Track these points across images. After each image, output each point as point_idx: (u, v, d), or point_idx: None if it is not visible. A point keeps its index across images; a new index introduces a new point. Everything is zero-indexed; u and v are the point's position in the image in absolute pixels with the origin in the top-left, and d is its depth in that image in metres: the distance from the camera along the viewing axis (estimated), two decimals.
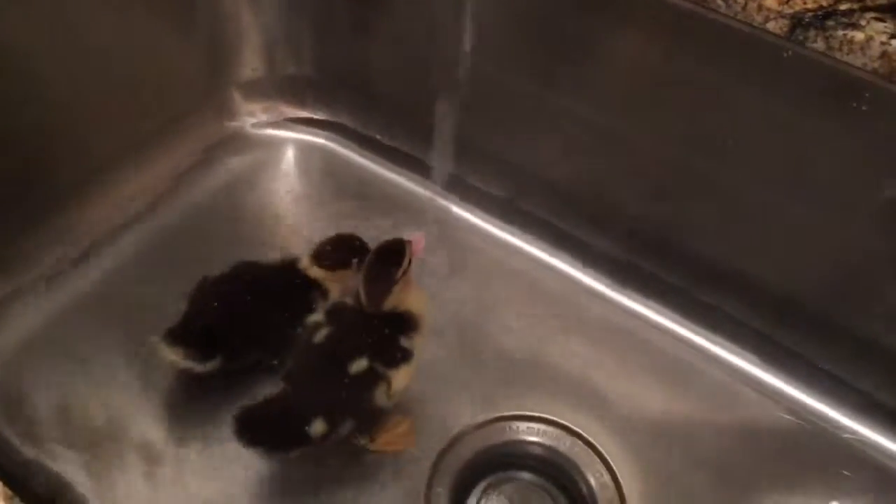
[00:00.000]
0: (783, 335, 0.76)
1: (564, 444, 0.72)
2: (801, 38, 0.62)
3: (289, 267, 0.75)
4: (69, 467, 0.67)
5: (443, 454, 0.71)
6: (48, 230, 0.78)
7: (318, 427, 0.64)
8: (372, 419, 0.68)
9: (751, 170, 0.71)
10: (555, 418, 0.73)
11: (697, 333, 0.79)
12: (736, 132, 0.70)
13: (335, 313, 0.69)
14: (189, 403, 0.72)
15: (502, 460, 0.72)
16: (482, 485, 0.71)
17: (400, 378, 0.67)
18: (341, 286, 0.75)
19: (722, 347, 0.78)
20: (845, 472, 0.72)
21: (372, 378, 0.66)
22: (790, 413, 0.75)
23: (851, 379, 0.75)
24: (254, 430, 0.63)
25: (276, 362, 0.72)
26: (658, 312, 0.81)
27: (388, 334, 0.67)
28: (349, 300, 0.69)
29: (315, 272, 0.74)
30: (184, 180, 0.86)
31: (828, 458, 0.72)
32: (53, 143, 0.76)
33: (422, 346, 0.68)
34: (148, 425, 0.70)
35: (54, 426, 0.69)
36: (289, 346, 0.70)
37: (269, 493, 0.68)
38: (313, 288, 0.74)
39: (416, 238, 0.68)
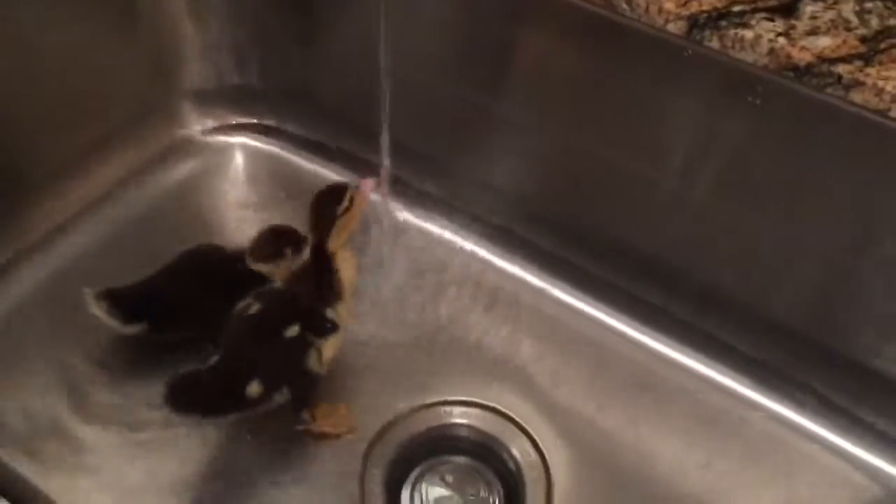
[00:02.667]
0: (703, 321, 0.81)
1: (496, 427, 0.76)
2: (698, 37, 0.67)
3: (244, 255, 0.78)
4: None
5: (378, 437, 0.74)
6: None
7: (253, 389, 0.67)
8: (306, 387, 0.71)
9: (666, 163, 0.75)
10: (489, 403, 0.77)
11: (624, 322, 0.83)
12: (650, 127, 0.74)
13: (263, 294, 0.72)
14: (121, 386, 0.75)
15: (436, 444, 0.76)
16: (418, 469, 0.74)
17: (329, 347, 0.71)
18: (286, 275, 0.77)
19: (646, 335, 0.82)
20: (759, 445, 0.76)
21: (304, 344, 0.70)
22: (710, 393, 0.79)
23: (770, 362, 0.79)
24: (187, 395, 0.65)
25: (210, 346, 0.74)
26: (588, 304, 0.84)
27: (315, 308, 0.71)
28: (278, 285, 0.73)
29: (255, 266, 0.77)
30: (133, 184, 0.90)
31: (742, 431, 0.77)
32: (3, 146, 0.79)
33: (346, 313, 0.72)
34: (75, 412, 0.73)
35: None
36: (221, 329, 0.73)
37: (202, 477, 0.71)
38: (259, 279, 0.76)
39: (365, 181, 0.73)
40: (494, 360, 0.80)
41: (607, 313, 0.84)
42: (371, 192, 0.74)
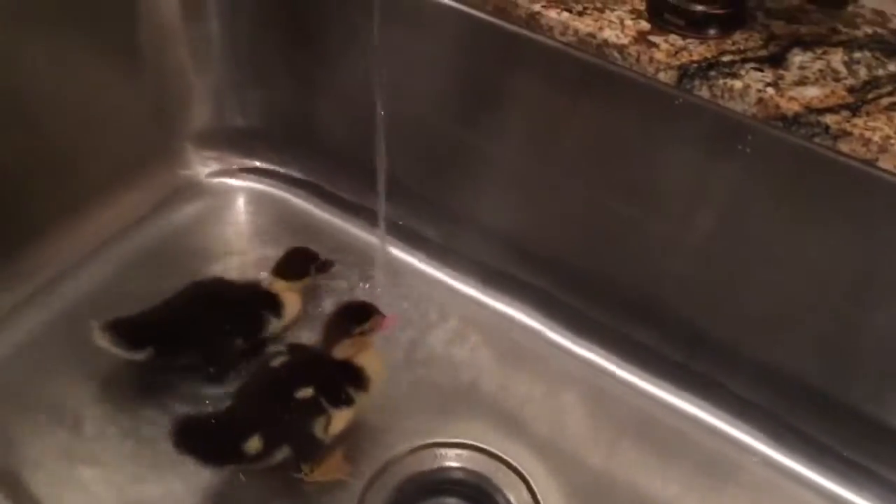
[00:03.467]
0: (700, 365, 0.81)
1: (490, 470, 0.76)
2: (688, 87, 0.68)
3: (250, 286, 0.82)
4: None
5: (374, 479, 0.74)
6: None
7: (253, 444, 0.68)
8: (308, 450, 0.72)
9: (660, 209, 0.76)
10: (483, 445, 0.77)
11: (618, 365, 0.83)
12: (645, 172, 0.75)
13: (296, 349, 0.75)
14: (119, 423, 0.76)
15: (431, 487, 0.76)
16: None
17: (339, 420, 0.72)
18: (299, 302, 0.82)
19: (640, 377, 0.82)
20: (754, 489, 0.76)
21: (314, 409, 0.70)
22: (706, 437, 0.79)
23: (766, 406, 0.79)
24: (191, 438, 0.66)
25: (212, 370, 0.77)
26: (583, 346, 0.85)
27: (338, 379, 0.72)
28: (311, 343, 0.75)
29: (279, 286, 0.81)
30: (137, 225, 0.91)
31: (737, 475, 0.77)
32: (11, 189, 0.81)
33: (364, 403, 0.73)
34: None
35: None
36: (229, 356, 0.77)
37: None
38: (267, 307, 0.80)
39: (391, 316, 0.75)
40: (490, 403, 0.80)
41: (605, 356, 0.84)
42: (390, 329, 0.76)
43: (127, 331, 0.74)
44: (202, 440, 0.67)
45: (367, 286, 0.87)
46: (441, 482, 0.76)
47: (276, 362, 0.72)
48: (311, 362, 0.73)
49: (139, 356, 0.75)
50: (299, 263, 0.83)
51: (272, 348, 0.76)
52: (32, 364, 0.80)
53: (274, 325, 0.80)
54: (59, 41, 0.81)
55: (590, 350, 0.84)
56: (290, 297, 0.82)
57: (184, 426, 0.67)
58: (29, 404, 0.77)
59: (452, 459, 0.76)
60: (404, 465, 0.76)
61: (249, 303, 0.80)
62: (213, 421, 0.69)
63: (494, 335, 0.86)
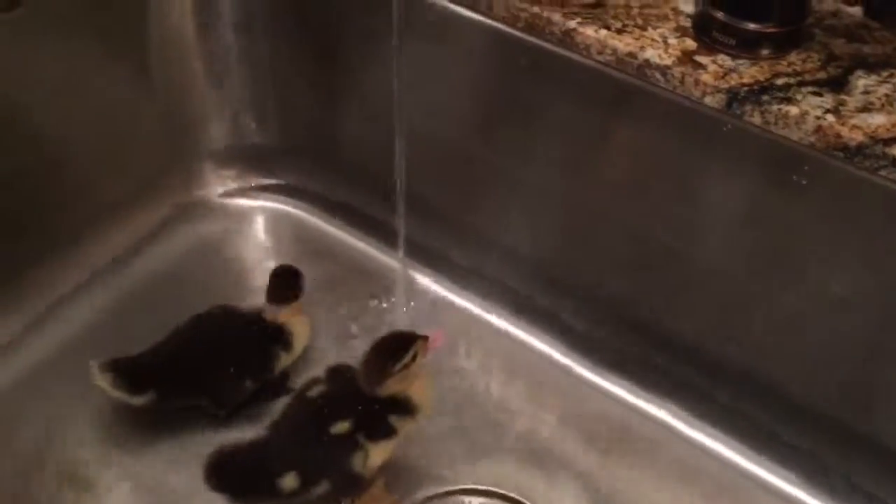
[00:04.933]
0: (741, 406, 0.75)
1: None
2: (738, 112, 0.63)
3: (255, 316, 0.76)
4: None
5: None
6: (10, 290, 0.80)
7: (289, 481, 0.64)
8: (349, 486, 0.68)
9: (699, 238, 0.71)
10: (507, 492, 0.72)
11: (659, 406, 0.78)
12: (683, 199, 0.70)
13: (337, 373, 0.70)
14: (124, 460, 0.73)
15: None
16: None
17: (378, 453, 0.67)
18: (308, 329, 0.77)
19: (679, 418, 0.77)
20: None
21: (351, 444, 0.66)
22: (749, 482, 0.73)
23: (813, 449, 0.73)
24: (223, 474, 0.64)
25: (221, 413, 0.74)
26: (616, 384, 0.79)
27: (380, 409, 0.67)
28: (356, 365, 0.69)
29: (281, 314, 0.75)
30: (150, 247, 0.88)
31: None
32: (19, 208, 0.78)
33: (412, 431, 0.68)
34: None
35: None
36: (238, 399, 0.73)
37: None
38: (274, 340, 0.75)
39: (435, 335, 0.68)
40: (514, 444, 0.75)
41: (640, 396, 0.78)
42: (437, 346, 0.69)
43: (127, 373, 0.70)
44: (235, 476, 0.65)
45: (386, 306, 0.84)
46: None
47: (314, 392, 0.68)
48: (350, 392, 0.67)
49: (140, 400, 0.71)
50: (286, 283, 0.76)
51: (310, 378, 0.70)
52: (33, 395, 0.77)
53: (284, 360, 0.76)
54: (70, 56, 0.78)
55: (624, 388, 0.79)
56: (298, 325, 0.76)
57: (216, 461, 0.64)
58: (25, 440, 0.73)
59: None
60: None
61: (256, 338, 0.75)
62: (247, 456, 0.66)
63: (521, 370, 0.81)
